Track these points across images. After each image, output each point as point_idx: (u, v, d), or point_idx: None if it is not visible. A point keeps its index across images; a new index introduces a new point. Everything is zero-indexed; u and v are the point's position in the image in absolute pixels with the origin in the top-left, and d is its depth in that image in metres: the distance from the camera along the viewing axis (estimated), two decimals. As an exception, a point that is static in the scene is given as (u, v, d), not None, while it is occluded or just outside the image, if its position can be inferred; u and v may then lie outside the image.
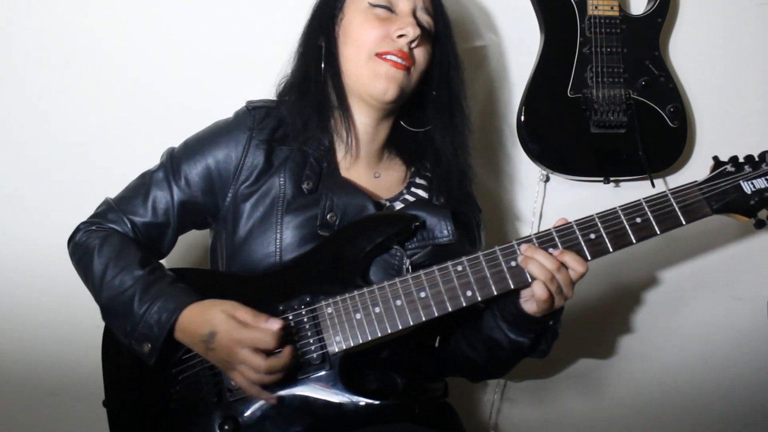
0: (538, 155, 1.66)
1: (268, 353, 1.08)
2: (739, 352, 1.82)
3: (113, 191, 1.32)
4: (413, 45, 1.25)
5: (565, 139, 1.67)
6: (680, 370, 1.82)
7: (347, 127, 1.29)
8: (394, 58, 1.23)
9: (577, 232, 1.17)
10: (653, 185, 1.65)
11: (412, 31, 1.23)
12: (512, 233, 1.75)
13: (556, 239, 1.17)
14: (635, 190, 1.71)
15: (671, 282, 1.80)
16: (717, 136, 1.79)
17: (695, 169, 1.77)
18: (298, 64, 1.33)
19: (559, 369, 1.79)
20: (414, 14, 1.27)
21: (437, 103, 1.34)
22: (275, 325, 1.08)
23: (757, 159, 1.21)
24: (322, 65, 1.29)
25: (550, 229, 1.18)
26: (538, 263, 1.13)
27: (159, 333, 1.13)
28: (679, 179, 1.76)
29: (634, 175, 1.69)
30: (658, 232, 1.17)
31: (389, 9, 1.26)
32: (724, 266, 1.80)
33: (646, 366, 1.81)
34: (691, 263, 1.81)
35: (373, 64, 1.24)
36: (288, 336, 1.12)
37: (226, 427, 1.12)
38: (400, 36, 1.24)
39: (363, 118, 1.30)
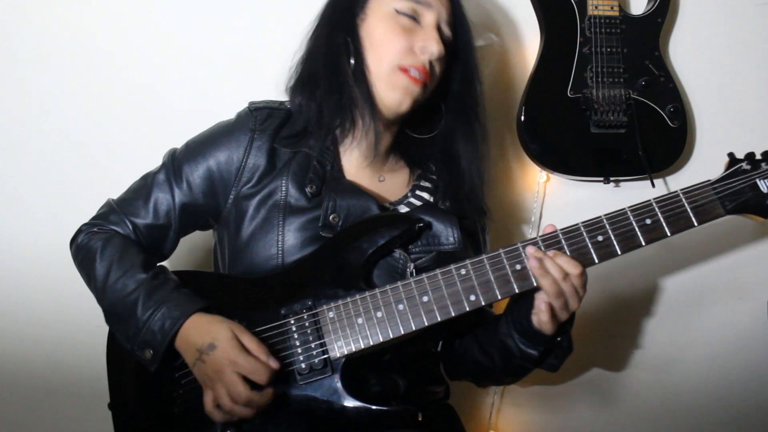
0: (538, 155, 1.65)
1: (253, 386, 1.08)
2: (739, 352, 1.82)
3: (113, 191, 1.32)
4: (434, 61, 1.24)
5: (565, 139, 1.67)
6: (681, 368, 1.82)
7: (374, 127, 1.25)
8: (415, 73, 1.22)
9: (584, 233, 1.15)
10: (653, 185, 1.65)
11: (437, 49, 1.22)
12: (512, 233, 1.75)
13: (563, 241, 1.15)
14: (635, 190, 1.71)
15: (672, 283, 1.80)
16: (717, 136, 1.79)
17: (695, 169, 1.77)
18: (322, 60, 1.28)
19: (560, 371, 1.78)
20: (438, 27, 1.25)
21: (458, 112, 1.33)
22: (273, 363, 1.09)
23: None
24: (351, 62, 1.25)
25: (556, 231, 1.16)
26: (551, 278, 1.11)
27: (161, 340, 1.13)
28: (679, 179, 1.77)
29: (634, 175, 1.69)
30: (669, 234, 1.14)
31: (414, 19, 1.24)
32: (725, 266, 1.80)
33: (647, 367, 1.81)
34: (692, 263, 1.80)
35: (393, 75, 1.23)
36: (283, 344, 1.12)
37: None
38: (422, 52, 1.22)
39: (374, 122, 1.27)
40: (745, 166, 1.17)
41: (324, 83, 1.27)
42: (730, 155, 1.20)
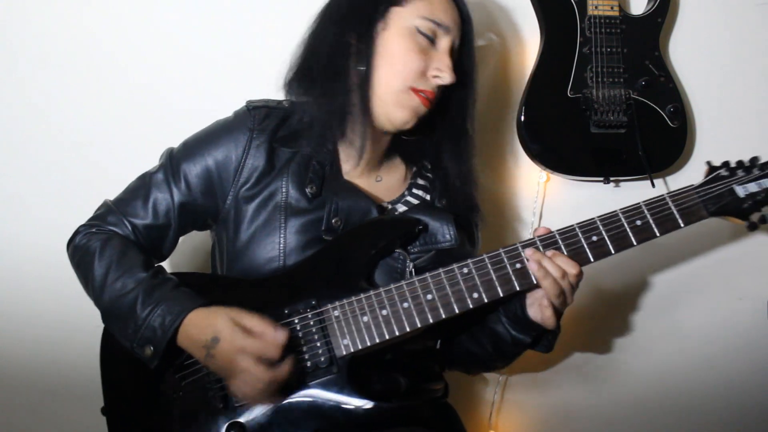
0: (538, 155, 1.66)
1: (270, 363, 1.07)
2: (739, 352, 1.82)
3: (113, 191, 1.31)
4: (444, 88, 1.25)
5: (565, 139, 1.67)
6: (681, 369, 1.83)
7: (363, 135, 1.26)
8: (425, 96, 1.23)
9: (580, 234, 1.19)
10: (653, 185, 1.65)
11: (449, 78, 1.22)
12: (512, 233, 1.75)
13: (559, 241, 1.19)
14: (635, 190, 1.71)
15: (673, 282, 1.80)
16: (717, 136, 1.79)
17: (695, 169, 1.77)
18: (326, 58, 1.25)
19: (560, 369, 1.79)
20: (451, 53, 1.25)
21: (450, 130, 1.33)
22: (281, 335, 1.07)
23: (747, 164, 1.25)
24: (357, 66, 1.24)
25: (552, 232, 1.20)
26: (552, 278, 1.15)
27: (162, 336, 1.12)
28: (679, 179, 1.77)
29: (634, 175, 1.69)
30: (658, 234, 1.20)
31: (431, 41, 1.24)
32: (725, 266, 1.80)
33: (648, 366, 1.81)
34: (693, 263, 1.81)
35: (403, 95, 1.22)
36: (292, 343, 1.10)
37: None
38: (435, 77, 1.23)
39: (371, 129, 1.28)
40: (723, 172, 1.25)
41: (321, 83, 1.25)
42: (708, 163, 1.27)
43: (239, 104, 1.32)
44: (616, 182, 1.75)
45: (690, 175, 1.76)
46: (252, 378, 1.06)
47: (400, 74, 1.22)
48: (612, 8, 1.66)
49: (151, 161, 1.32)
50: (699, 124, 1.79)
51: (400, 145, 1.35)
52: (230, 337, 1.08)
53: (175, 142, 1.32)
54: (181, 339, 1.13)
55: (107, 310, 1.19)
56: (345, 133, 1.27)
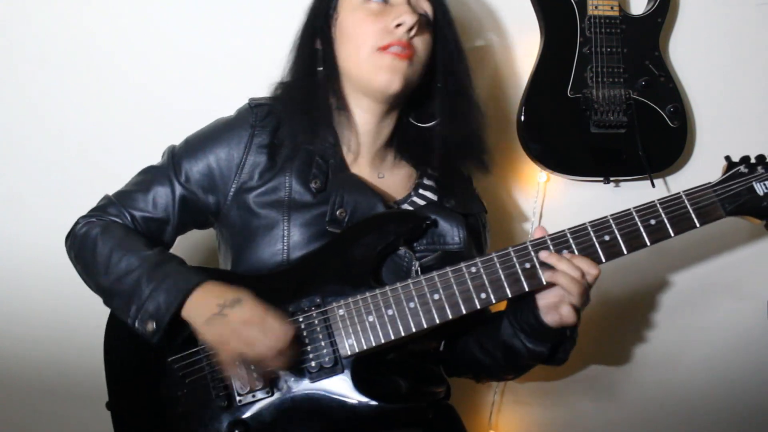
0: (538, 155, 1.65)
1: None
2: (740, 353, 1.82)
3: (113, 191, 1.32)
4: (412, 33, 1.21)
5: (565, 139, 1.67)
6: (681, 369, 1.82)
7: (349, 127, 1.27)
8: (395, 49, 1.20)
9: (592, 233, 1.17)
10: (653, 185, 1.65)
11: (410, 19, 1.20)
12: (512, 233, 1.75)
13: (570, 240, 1.16)
14: (635, 190, 1.71)
15: (673, 282, 1.80)
16: (717, 136, 1.79)
17: (695, 169, 1.77)
18: (293, 68, 1.30)
19: (561, 370, 1.79)
20: (409, 3, 1.23)
21: (443, 94, 1.31)
22: (290, 330, 1.08)
23: None
24: (319, 68, 1.26)
25: (564, 230, 1.17)
26: (569, 277, 1.13)
27: (165, 311, 1.10)
28: (679, 179, 1.77)
29: (634, 175, 1.69)
30: (672, 235, 1.17)
31: (384, 1, 1.23)
32: (726, 266, 1.80)
33: (647, 365, 1.81)
34: (693, 263, 1.81)
35: (375, 58, 1.21)
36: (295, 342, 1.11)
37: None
38: (398, 25, 1.20)
39: (366, 116, 1.27)
40: (742, 169, 1.20)
41: (287, 93, 1.28)
42: (727, 158, 1.23)
43: (238, 104, 1.32)
44: (616, 182, 1.75)
45: (690, 175, 1.76)
46: (263, 345, 1.05)
47: (361, 44, 1.22)
48: (612, 8, 1.66)
49: (151, 161, 1.32)
50: (699, 124, 1.79)
51: (404, 142, 1.34)
52: (253, 304, 1.08)
53: (175, 142, 1.32)
54: (190, 304, 1.11)
55: (110, 290, 1.17)
56: (332, 125, 1.27)
